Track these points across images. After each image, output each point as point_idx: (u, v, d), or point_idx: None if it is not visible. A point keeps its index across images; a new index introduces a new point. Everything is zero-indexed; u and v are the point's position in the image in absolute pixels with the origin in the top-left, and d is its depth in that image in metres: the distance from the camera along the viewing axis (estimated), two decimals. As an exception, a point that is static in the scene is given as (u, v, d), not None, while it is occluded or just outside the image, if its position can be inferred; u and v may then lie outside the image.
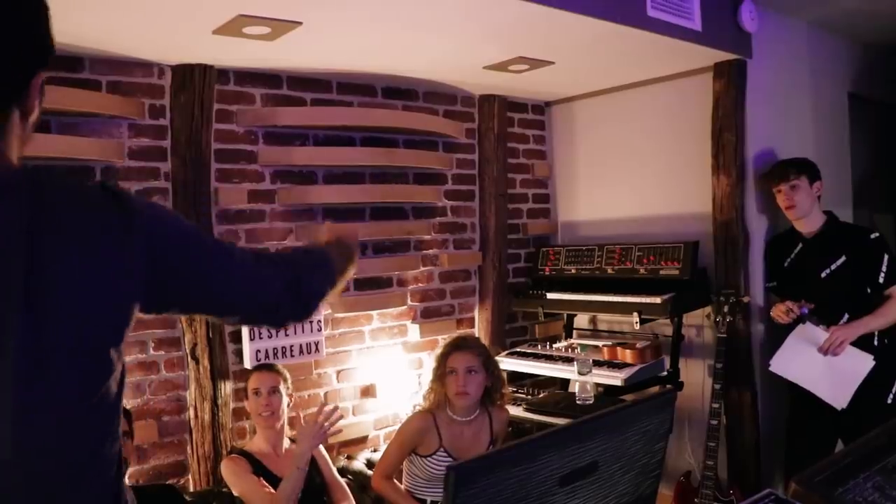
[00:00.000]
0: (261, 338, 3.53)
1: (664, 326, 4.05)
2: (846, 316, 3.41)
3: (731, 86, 3.85)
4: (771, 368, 3.53)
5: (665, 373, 3.85)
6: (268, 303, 1.48)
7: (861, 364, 3.32)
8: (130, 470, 3.03)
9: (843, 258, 3.43)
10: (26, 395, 1.01)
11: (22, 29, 1.09)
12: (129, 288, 1.16)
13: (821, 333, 3.37)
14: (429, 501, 3.10)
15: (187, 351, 3.35)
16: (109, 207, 1.16)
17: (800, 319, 3.45)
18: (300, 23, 2.92)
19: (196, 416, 3.38)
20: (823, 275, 3.48)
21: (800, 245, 3.60)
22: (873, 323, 3.37)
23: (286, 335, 3.58)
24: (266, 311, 1.51)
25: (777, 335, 3.60)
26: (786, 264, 3.66)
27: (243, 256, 1.43)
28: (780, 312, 3.52)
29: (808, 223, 3.58)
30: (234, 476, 2.95)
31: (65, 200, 1.12)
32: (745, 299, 3.75)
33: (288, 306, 1.52)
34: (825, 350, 3.33)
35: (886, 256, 3.42)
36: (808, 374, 3.41)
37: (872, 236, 3.49)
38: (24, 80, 1.12)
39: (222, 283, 1.38)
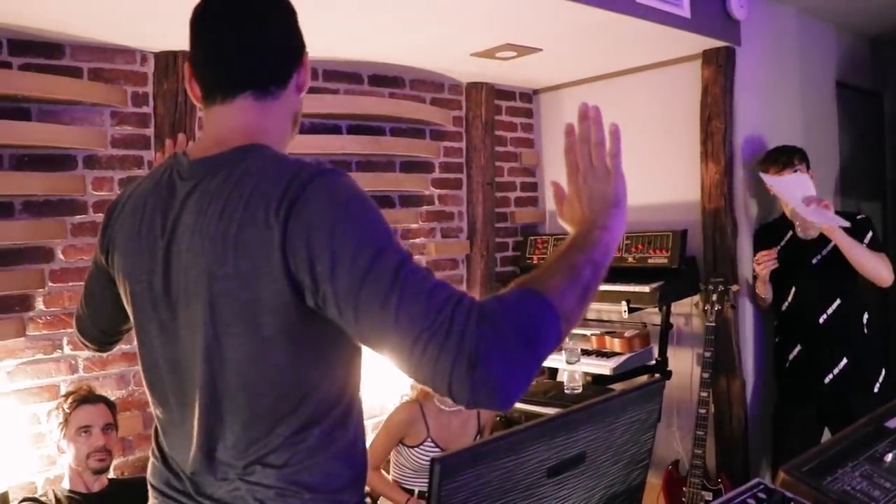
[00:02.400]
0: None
1: (652, 315, 4.04)
2: (837, 301, 3.41)
3: (719, 73, 3.83)
4: (761, 174, 3.54)
5: (653, 362, 3.85)
6: None
7: (839, 222, 3.30)
8: (116, 462, 3.00)
9: (834, 244, 3.42)
10: None
11: (287, 34, 1.39)
12: None
13: (812, 187, 3.35)
14: (416, 492, 3.09)
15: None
16: None
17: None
18: (286, 8, 2.88)
19: (181, 406, 3.34)
20: (814, 261, 3.48)
21: (790, 233, 3.59)
22: (854, 247, 3.32)
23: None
24: None
25: (766, 323, 3.59)
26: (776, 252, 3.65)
27: None
28: (760, 281, 3.54)
29: (800, 210, 3.57)
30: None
31: None
32: (734, 288, 3.74)
33: None
34: (809, 200, 3.30)
35: (871, 233, 3.44)
36: (794, 196, 3.40)
37: (858, 217, 3.50)
38: (288, 75, 1.38)
39: None
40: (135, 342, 1.44)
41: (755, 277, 3.71)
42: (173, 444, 1.38)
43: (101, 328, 1.66)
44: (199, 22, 1.38)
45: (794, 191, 3.38)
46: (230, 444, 1.26)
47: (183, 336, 1.29)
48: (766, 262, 3.48)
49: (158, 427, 1.44)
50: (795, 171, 3.44)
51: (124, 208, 1.43)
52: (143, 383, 1.45)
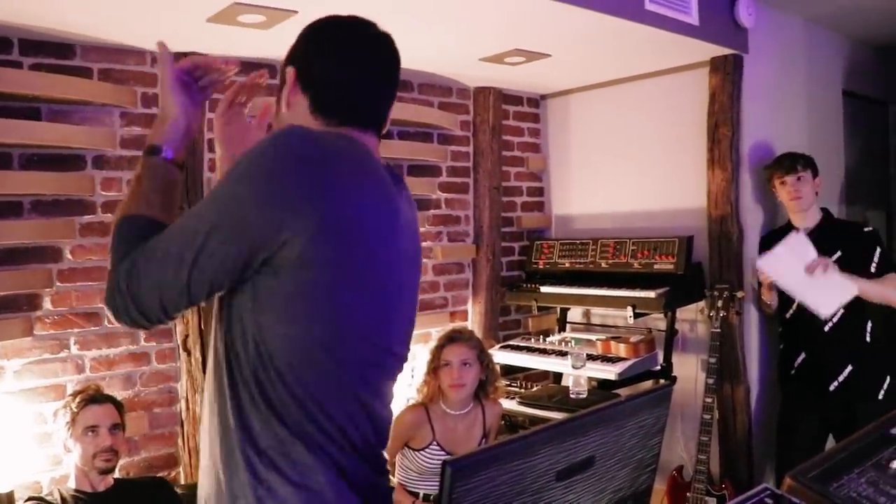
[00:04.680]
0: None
1: (658, 321, 4.05)
2: (842, 309, 3.40)
3: (727, 81, 3.84)
4: (758, 265, 3.48)
5: (658, 367, 3.85)
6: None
7: (846, 289, 3.21)
8: (122, 462, 3.01)
9: (839, 253, 3.42)
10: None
11: (398, 74, 1.59)
12: None
13: (812, 251, 3.23)
14: (421, 495, 3.09)
15: (179, 342, 3.33)
16: None
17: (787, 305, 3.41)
18: (296, 11, 2.89)
19: (187, 408, 3.36)
20: (820, 269, 3.47)
21: (796, 240, 3.59)
22: (864, 284, 3.26)
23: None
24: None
25: (771, 328, 3.59)
26: (781, 260, 3.65)
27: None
28: (765, 289, 3.54)
29: (806, 218, 3.57)
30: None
31: None
32: (740, 294, 3.75)
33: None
34: (812, 268, 3.19)
35: (879, 249, 3.43)
36: (793, 280, 3.29)
37: (866, 230, 3.50)
38: (389, 112, 1.58)
39: None
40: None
41: (760, 284, 3.71)
42: None
43: (183, 306, 1.40)
44: (373, 55, 1.54)
45: (796, 260, 3.26)
46: None
47: None
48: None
49: None
50: (788, 240, 3.33)
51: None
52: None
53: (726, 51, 3.80)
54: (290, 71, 1.49)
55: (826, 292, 3.23)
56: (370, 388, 1.45)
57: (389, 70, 1.56)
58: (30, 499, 2.64)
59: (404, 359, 1.58)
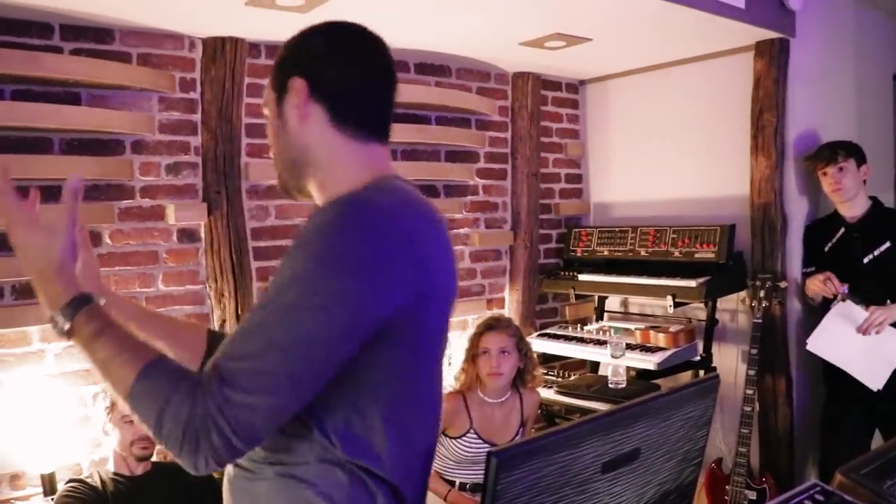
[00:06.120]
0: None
1: (697, 310, 3.98)
2: (888, 302, 3.33)
3: (772, 65, 3.75)
4: (808, 348, 3.45)
5: (698, 358, 3.79)
6: None
7: None
8: (159, 446, 3.02)
9: (888, 244, 3.34)
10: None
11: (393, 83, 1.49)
12: None
13: (859, 312, 3.28)
14: (457, 483, 3.08)
15: (216, 328, 3.34)
16: None
17: (835, 299, 3.37)
18: (335, -6, 2.87)
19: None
20: (866, 260, 3.40)
21: (842, 230, 3.52)
22: None
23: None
24: None
25: (814, 320, 3.52)
26: (826, 249, 3.57)
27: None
28: (817, 283, 3.44)
29: (852, 207, 3.49)
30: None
31: None
32: (783, 284, 3.67)
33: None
34: (864, 329, 3.24)
35: None
36: (844, 354, 3.33)
37: None
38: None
39: None
40: None
41: (805, 275, 3.64)
42: None
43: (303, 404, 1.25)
44: (381, 61, 1.48)
45: (846, 328, 3.32)
46: None
47: None
48: (820, 287, 3.45)
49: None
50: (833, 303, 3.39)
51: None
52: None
53: (773, 35, 3.70)
54: (300, 82, 1.39)
55: (879, 358, 3.27)
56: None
57: (394, 75, 1.50)
58: (70, 480, 2.67)
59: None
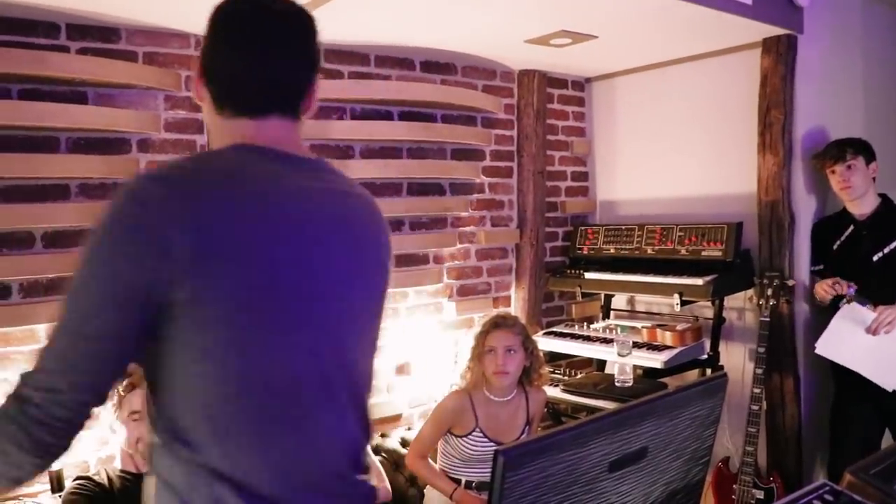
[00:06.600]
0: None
1: (704, 309, 3.97)
2: None
3: (779, 62, 3.73)
4: (817, 351, 3.43)
5: (705, 356, 3.78)
6: None
7: None
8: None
9: (896, 242, 3.32)
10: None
11: (306, 46, 1.43)
12: None
13: (868, 313, 3.27)
14: (463, 481, 3.07)
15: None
16: None
17: (842, 298, 3.36)
18: (342, -8, 2.87)
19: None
20: (875, 258, 3.39)
21: (851, 228, 3.50)
22: None
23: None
24: None
25: (822, 319, 3.51)
26: (835, 247, 3.56)
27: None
28: (825, 287, 3.43)
29: (861, 205, 3.48)
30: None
31: None
32: (790, 283, 3.66)
33: None
34: (873, 329, 3.23)
35: None
36: (854, 356, 3.31)
37: None
38: (312, 84, 1.45)
39: None
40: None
41: (813, 273, 3.63)
42: None
43: (102, 390, 1.25)
44: (245, 32, 1.40)
45: (854, 329, 3.30)
46: None
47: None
48: (828, 291, 3.42)
49: None
50: (842, 304, 3.37)
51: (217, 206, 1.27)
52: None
53: (780, 31, 3.69)
54: (196, 67, 1.44)
55: (890, 358, 3.24)
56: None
57: (286, 41, 1.40)
58: (78, 478, 2.67)
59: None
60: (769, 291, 3.60)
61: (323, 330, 1.35)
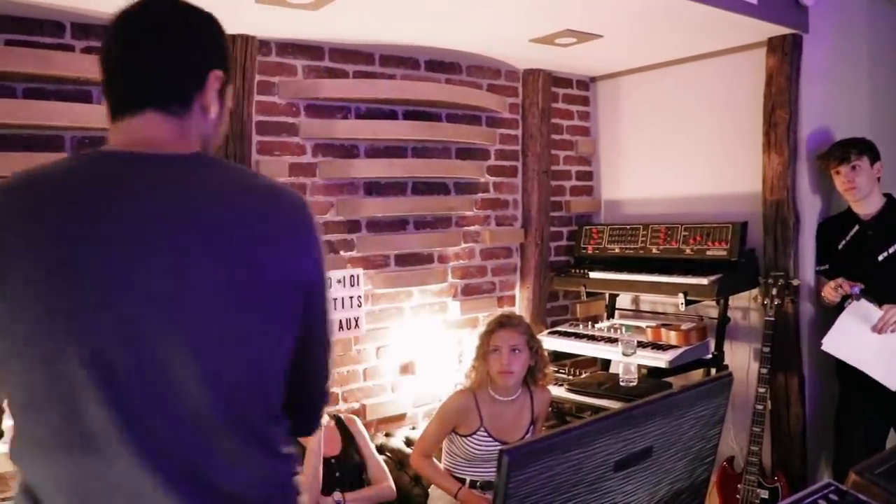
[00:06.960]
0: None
1: (709, 308, 3.96)
2: None
3: (784, 62, 3.72)
4: (823, 348, 3.43)
5: (710, 356, 3.78)
6: None
7: None
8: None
9: (901, 241, 3.32)
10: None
11: (188, 36, 1.38)
12: None
13: (874, 311, 3.26)
14: (468, 481, 3.07)
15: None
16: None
17: (848, 297, 3.35)
18: (345, -8, 2.87)
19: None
20: (881, 258, 3.38)
21: (856, 227, 3.49)
22: None
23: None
24: None
25: (827, 318, 3.50)
26: (840, 247, 3.55)
27: None
28: (830, 289, 3.42)
29: (866, 205, 3.47)
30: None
31: None
32: (795, 282, 3.65)
33: None
34: (879, 328, 3.22)
35: None
36: (860, 354, 3.31)
37: None
38: (199, 78, 1.36)
39: None
40: None
41: (818, 273, 3.63)
42: None
43: None
44: (134, 17, 1.38)
45: (860, 327, 3.29)
46: None
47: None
48: (833, 293, 3.41)
49: None
50: (848, 302, 3.36)
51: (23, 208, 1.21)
52: None
53: (785, 30, 3.68)
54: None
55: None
56: None
57: (140, 31, 1.34)
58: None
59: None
60: (774, 291, 3.60)
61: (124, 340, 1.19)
